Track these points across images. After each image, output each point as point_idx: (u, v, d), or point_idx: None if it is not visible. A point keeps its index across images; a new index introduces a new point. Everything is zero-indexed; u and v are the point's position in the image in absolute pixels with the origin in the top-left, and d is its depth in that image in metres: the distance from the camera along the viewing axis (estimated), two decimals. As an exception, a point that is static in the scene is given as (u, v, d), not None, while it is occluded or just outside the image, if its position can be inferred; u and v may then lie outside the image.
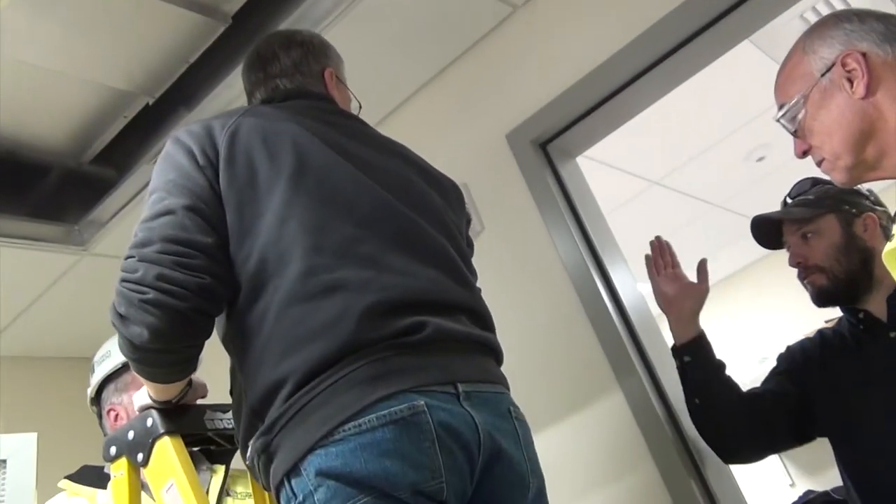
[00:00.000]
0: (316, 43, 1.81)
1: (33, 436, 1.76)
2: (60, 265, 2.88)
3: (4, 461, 1.74)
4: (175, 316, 1.30)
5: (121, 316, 1.32)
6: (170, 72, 2.37)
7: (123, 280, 1.32)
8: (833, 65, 1.33)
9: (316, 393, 1.28)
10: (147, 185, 1.49)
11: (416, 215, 1.50)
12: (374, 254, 1.39)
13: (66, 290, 3.01)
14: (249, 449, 1.35)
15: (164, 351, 1.35)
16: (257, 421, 1.33)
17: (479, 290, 1.59)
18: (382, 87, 2.73)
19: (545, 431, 2.32)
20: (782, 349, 2.25)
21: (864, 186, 2.13)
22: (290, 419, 1.28)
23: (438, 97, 2.78)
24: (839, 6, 3.42)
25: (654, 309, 2.36)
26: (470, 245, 1.72)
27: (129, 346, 1.34)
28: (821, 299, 2.08)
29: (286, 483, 1.28)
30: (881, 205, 2.14)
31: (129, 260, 1.34)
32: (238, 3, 2.25)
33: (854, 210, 2.07)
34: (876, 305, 2.02)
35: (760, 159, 4.77)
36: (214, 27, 2.26)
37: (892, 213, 2.06)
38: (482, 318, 1.51)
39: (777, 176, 4.98)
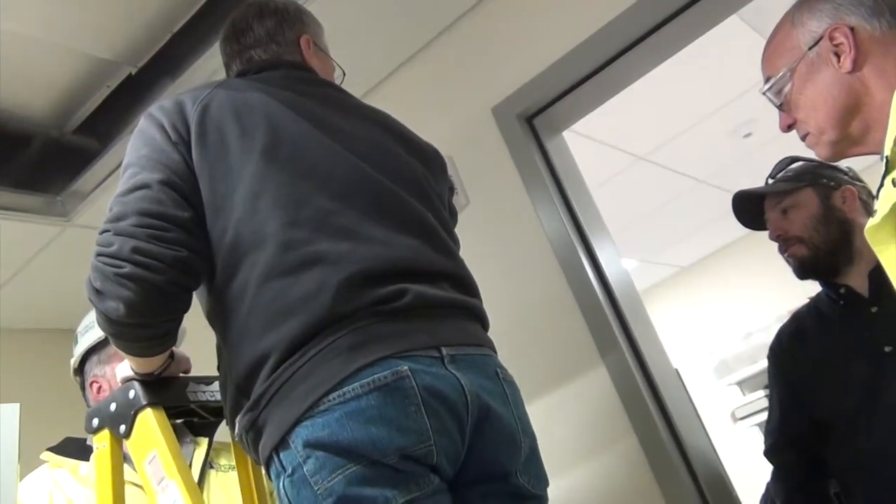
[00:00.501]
0: (291, 10, 1.77)
1: (16, 406, 1.75)
2: (43, 236, 2.86)
3: None
4: (151, 289, 1.30)
5: (97, 290, 1.31)
6: (153, 41, 2.34)
7: (99, 254, 1.31)
8: (821, 38, 1.32)
9: (299, 366, 1.28)
10: (129, 156, 1.48)
11: (394, 184, 1.49)
12: (352, 225, 1.38)
13: (48, 262, 2.99)
14: (237, 426, 1.35)
15: (140, 325, 1.35)
16: (243, 397, 1.34)
17: (462, 259, 1.58)
18: (368, 60, 2.71)
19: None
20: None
21: (843, 164, 2.14)
22: (275, 394, 1.28)
23: (425, 70, 2.76)
24: (828, -18, 3.40)
25: (639, 284, 2.36)
26: (452, 214, 1.72)
27: (106, 320, 1.33)
28: (802, 270, 2.10)
29: (275, 457, 1.28)
30: (860, 180, 2.16)
31: (105, 234, 1.33)
32: (222, -28, 2.22)
33: (832, 183, 2.10)
34: (857, 280, 2.03)
35: (747, 135, 4.78)
36: (198, -4, 2.24)
37: (874, 191, 2.07)
38: (466, 285, 1.50)
39: (764, 152, 4.98)
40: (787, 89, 1.37)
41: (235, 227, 1.36)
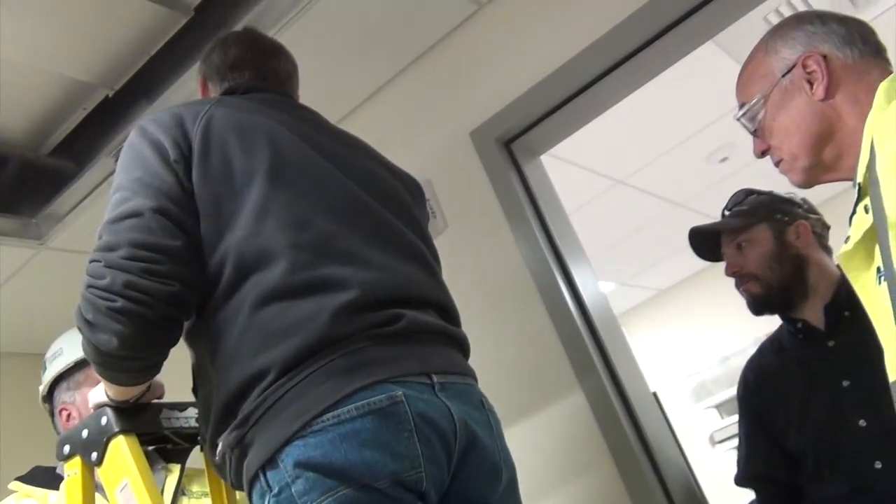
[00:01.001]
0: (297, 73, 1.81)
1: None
2: (17, 259, 2.83)
3: None
4: (144, 324, 1.29)
5: (88, 322, 1.30)
6: (130, 63, 2.34)
7: (90, 286, 1.30)
8: (794, 66, 1.34)
9: (292, 385, 1.26)
10: (107, 178, 1.47)
11: (388, 212, 1.51)
12: (354, 249, 1.39)
13: (22, 285, 2.95)
14: (220, 444, 1.32)
15: (130, 357, 1.34)
16: (229, 416, 1.31)
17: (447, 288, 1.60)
18: (345, 85, 2.71)
19: (505, 430, 2.30)
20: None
21: (798, 195, 2.18)
22: (267, 411, 1.27)
23: (403, 94, 2.76)
24: (802, 8, 3.46)
25: (616, 307, 2.36)
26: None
27: (96, 351, 1.32)
28: (756, 307, 2.13)
29: (261, 476, 1.26)
30: (815, 212, 2.19)
31: (95, 264, 1.31)
32: (201, -4, 2.22)
33: (786, 218, 2.13)
34: (813, 314, 2.06)
35: (724, 160, 4.82)
36: (176, 19, 2.23)
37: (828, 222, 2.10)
38: (450, 314, 1.51)
39: (740, 176, 5.02)
40: (760, 116, 1.38)
41: (238, 247, 1.34)
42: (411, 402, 1.28)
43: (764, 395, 2.14)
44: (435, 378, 1.35)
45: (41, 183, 2.59)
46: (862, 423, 1.89)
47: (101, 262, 1.30)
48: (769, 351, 2.20)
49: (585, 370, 2.26)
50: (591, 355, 2.26)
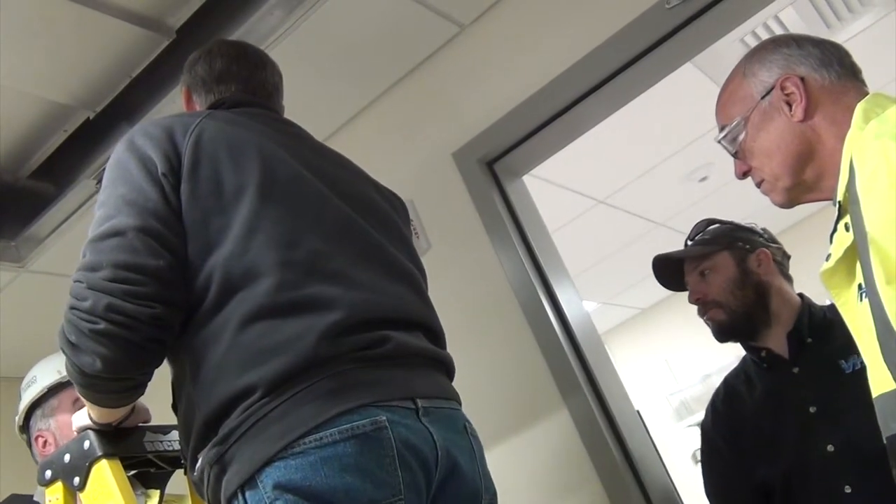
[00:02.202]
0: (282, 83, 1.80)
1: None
2: (-4, 282, 2.81)
3: None
4: (127, 346, 1.27)
5: (71, 344, 1.28)
6: (112, 86, 2.33)
7: (73, 307, 1.28)
8: (772, 88, 1.36)
9: (276, 404, 1.25)
10: (88, 200, 1.45)
11: (377, 232, 1.50)
12: (342, 269, 1.38)
13: (1, 308, 2.93)
14: (200, 460, 1.30)
15: (114, 379, 1.32)
16: (210, 432, 1.29)
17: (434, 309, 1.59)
18: (329, 105, 2.72)
19: (492, 449, 2.30)
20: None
21: (758, 225, 2.21)
22: (248, 429, 1.25)
23: (385, 115, 2.77)
24: (778, 31, 3.50)
25: (599, 326, 2.37)
26: None
27: (80, 373, 1.30)
28: (721, 334, 2.15)
29: (239, 495, 1.25)
30: (775, 242, 2.23)
31: (78, 285, 1.29)
32: (182, 18, 2.22)
33: (747, 246, 2.16)
34: (776, 342, 2.09)
35: (703, 179, 4.87)
36: (158, 41, 2.23)
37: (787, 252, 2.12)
38: (437, 336, 1.51)
39: (719, 195, 5.09)
40: (741, 138, 1.40)
41: (225, 264, 1.33)
42: (395, 428, 1.26)
43: (733, 426, 2.15)
44: (419, 403, 1.34)
45: (21, 205, 2.57)
46: (830, 448, 1.90)
47: (83, 283, 1.28)
48: (735, 381, 2.21)
49: (570, 389, 2.26)
50: (575, 374, 2.26)
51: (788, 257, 2.24)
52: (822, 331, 2.05)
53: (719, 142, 1.44)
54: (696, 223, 2.31)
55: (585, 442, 2.23)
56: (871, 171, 1.09)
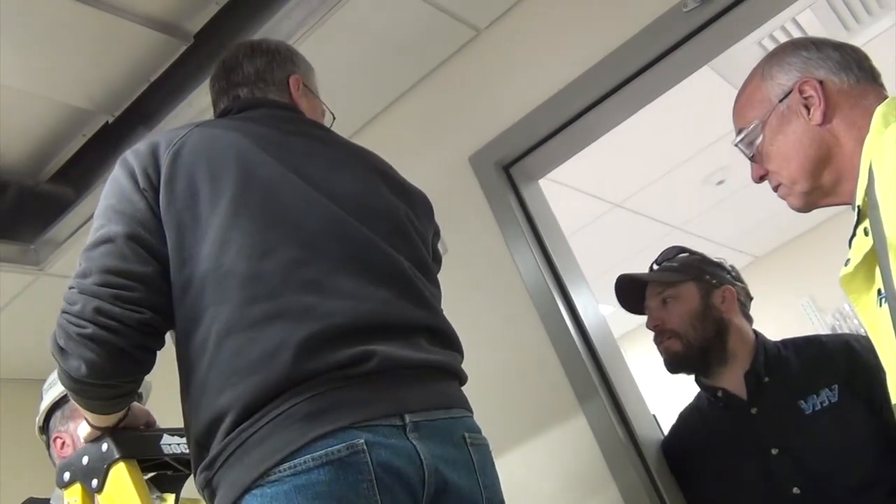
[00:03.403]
0: (282, 50, 1.76)
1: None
2: (15, 285, 2.83)
3: None
4: (114, 351, 1.27)
5: (60, 348, 1.29)
6: (130, 90, 2.35)
7: (64, 311, 1.29)
8: (790, 91, 1.35)
9: (255, 429, 1.24)
10: (105, 204, 1.46)
11: (370, 230, 1.45)
12: (319, 277, 1.34)
13: (20, 311, 2.95)
14: (197, 480, 1.33)
15: (102, 385, 1.33)
16: (203, 452, 1.30)
17: (440, 309, 1.54)
18: (345, 109, 2.70)
19: (507, 455, 2.31)
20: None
21: (727, 262, 2.21)
22: (230, 455, 1.25)
23: (402, 119, 2.78)
24: (796, 34, 3.49)
25: (616, 331, 2.36)
26: (437, 259, 1.69)
27: (68, 377, 1.31)
28: (673, 365, 2.15)
29: None
30: (741, 281, 2.23)
31: (70, 291, 1.31)
32: (200, 23, 2.23)
33: (714, 281, 2.16)
34: (732, 382, 2.08)
35: (720, 183, 4.84)
36: (176, 46, 2.25)
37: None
38: (443, 337, 1.46)
39: (736, 199, 5.07)
40: (758, 141, 1.39)
41: (200, 279, 1.32)
42: (373, 451, 1.23)
43: (692, 469, 2.16)
44: (408, 418, 1.30)
45: (40, 209, 2.60)
46: (796, 490, 1.90)
47: (75, 288, 1.30)
48: (691, 421, 2.21)
49: (587, 393, 2.26)
50: (592, 378, 2.26)
51: (751, 298, 2.24)
52: (777, 369, 2.04)
53: (736, 145, 1.43)
54: (665, 249, 2.30)
55: (602, 446, 2.22)
56: (891, 175, 1.09)
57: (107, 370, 1.29)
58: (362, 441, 1.23)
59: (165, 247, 1.36)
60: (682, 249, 2.28)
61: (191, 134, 1.46)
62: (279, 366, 1.25)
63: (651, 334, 2.23)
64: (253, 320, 1.28)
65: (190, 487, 1.79)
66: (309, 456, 1.21)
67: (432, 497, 1.30)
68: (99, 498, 1.49)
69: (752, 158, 1.43)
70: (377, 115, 2.81)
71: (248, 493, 1.22)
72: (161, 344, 1.37)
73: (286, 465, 1.20)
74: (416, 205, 1.65)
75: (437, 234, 1.73)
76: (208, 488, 1.29)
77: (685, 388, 2.29)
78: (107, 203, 1.40)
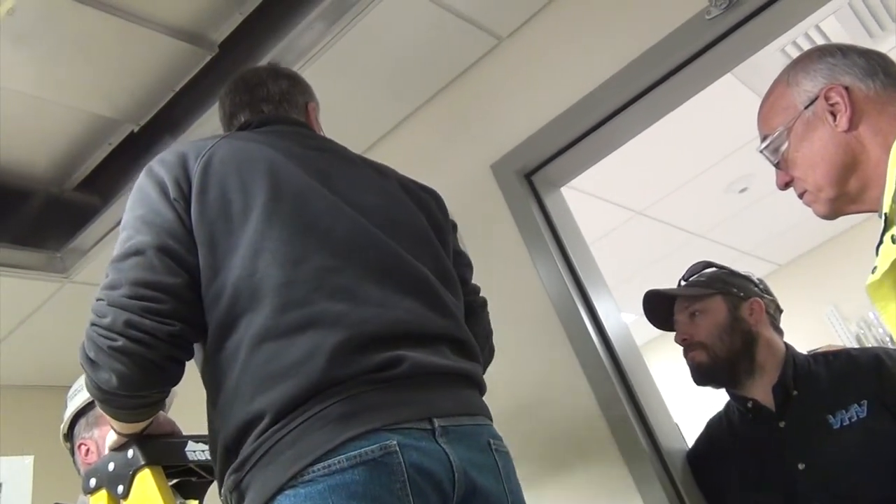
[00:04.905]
0: (301, 79, 1.82)
1: (30, 459, 1.74)
2: (42, 293, 2.86)
3: (0, 484, 1.71)
4: (145, 364, 1.29)
5: (90, 360, 1.30)
6: (155, 99, 2.37)
7: (93, 324, 1.30)
8: (816, 98, 1.34)
9: (287, 431, 1.25)
10: (130, 213, 1.46)
11: (395, 243, 1.47)
12: (351, 285, 1.36)
13: (47, 318, 2.98)
14: (224, 484, 1.33)
15: (131, 396, 1.34)
16: (231, 457, 1.31)
17: (462, 320, 1.55)
18: (367, 118, 2.74)
19: (528, 464, 2.30)
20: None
21: (755, 275, 2.19)
22: (262, 457, 1.26)
23: (424, 127, 2.78)
24: (820, 40, 3.47)
25: (638, 339, 2.35)
26: (460, 253, 1.71)
27: (98, 389, 1.33)
28: (699, 376, 2.14)
29: None
30: (770, 294, 2.21)
31: (99, 303, 1.31)
32: (225, 32, 2.26)
33: (742, 294, 2.15)
34: (761, 393, 2.07)
35: (743, 190, 4.82)
36: (201, 55, 2.27)
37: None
38: (465, 348, 1.47)
39: (759, 207, 5.04)
40: (783, 148, 1.39)
41: (234, 287, 1.33)
42: (405, 452, 1.24)
43: (716, 478, 2.14)
44: (437, 422, 1.31)
45: (66, 217, 2.62)
46: None
47: (104, 300, 1.31)
48: (718, 430, 2.20)
49: (609, 401, 2.25)
50: (614, 386, 2.25)
51: (781, 311, 2.22)
52: (806, 382, 2.03)
53: (761, 152, 1.42)
54: (692, 264, 2.31)
55: (624, 455, 2.21)
56: (918, 182, 1.08)
57: (137, 382, 1.30)
58: (395, 443, 1.24)
59: (194, 257, 1.37)
60: (709, 264, 2.27)
61: (219, 145, 1.48)
62: (312, 371, 1.26)
63: (672, 342, 2.22)
64: (287, 327, 1.30)
65: (211, 496, 1.80)
66: (343, 456, 1.22)
67: (461, 500, 1.31)
68: (124, 504, 1.51)
69: (776, 165, 1.42)
70: (399, 123, 2.82)
71: (281, 494, 1.22)
72: (190, 355, 1.38)
73: (320, 466, 1.21)
74: (433, 208, 1.67)
75: (454, 227, 1.75)
76: (237, 491, 1.29)
77: (708, 398, 2.28)
78: (135, 214, 1.40)
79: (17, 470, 1.63)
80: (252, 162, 1.45)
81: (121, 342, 1.27)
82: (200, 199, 1.39)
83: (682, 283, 2.28)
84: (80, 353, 1.33)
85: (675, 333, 2.22)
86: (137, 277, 1.31)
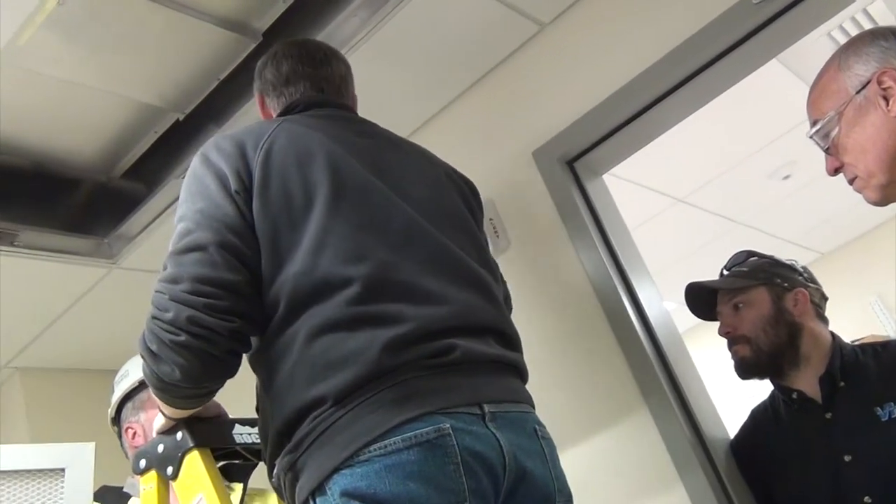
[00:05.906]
0: (350, 69, 1.82)
1: (91, 445, 1.77)
2: (89, 278, 2.91)
3: (63, 470, 1.74)
4: (206, 358, 1.31)
5: (152, 352, 1.33)
6: (200, 88, 2.39)
7: (155, 317, 1.32)
8: (868, 82, 1.32)
9: (342, 413, 1.27)
10: (177, 199, 1.49)
11: (445, 235, 1.49)
12: (410, 279, 1.38)
13: (94, 303, 3.03)
14: (276, 467, 1.35)
15: (191, 388, 1.38)
16: (284, 441, 1.33)
17: (507, 311, 1.58)
18: (410, 104, 2.74)
19: (571, 450, 2.30)
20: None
21: (798, 263, 2.16)
22: (317, 438, 1.28)
23: (466, 114, 2.78)
24: (867, 24, 3.41)
25: (681, 326, 2.34)
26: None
27: (158, 380, 1.35)
28: (742, 370, 2.13)
29: (311, 501, 1.28)
30: (815, 282, 2.17)
31: (160, 296, 1.33)
32: (269, 21, 2.27)
33: (786, 284, 2.11)
34: (807, 385, 2.04)
35: (786, 177, 4.76)
36: (245, 44, 2.29)
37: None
38: (510, 340, 1.50)
39: (802, 195, 4.97)
40: (834, 133, 1.37)
41: (295, 281, 1.35)
42: (458, 435, 1.27)
43: (759, 469, 2.12)
44: (486, 408, 1.34)
45: (113, 204, 2.67)
46: (867, 499, 1.85)
47: (165, 294, 1.32)
48: (763, 420, 2.18)
49: (652, 388, 2.24)
50: (657, 374, 2.23)
51: (826, 299, 2.18)
52: (854, 373, 2.00)
53: (811, 137, 1.41)
54: (734, 253, 2.28)
55: (667, 444, 2.19)
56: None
57: (198, 375, 1.34)
58: (448, 426, 1.27)
59: (254, 252, 1.38)
60: (752, 253, 2.24)
61: (277, 133, 1.48)
62: (368, 360, 1.28)
63: (714, 330, 2.21)
64: (349, 321, 1.32)
65: (256, 479, 1.83)
66: (399, 437, 1.24)
67: (512, 484, 1.33)
68: (174, 485, 1.54)
69: (826, 151, 1.40)
70: (441, 110, 2.82)
71: (338, 473, 1.25)
72: (249, 348, 1.41)
73: (376, 446, 1.24)
74: (471, 200, 1.69)
75: (480, 220, 1.76)
76: (291, 471, 1.31)
77: (752, 388, 2.26)
78: (196, 207, 1.40)
79: (80, 455, 1.66)
80: (311, 155, 1.46)
81: (184, 337, 1.29)
82: (262, 192, 1.40)
83: (724, 272, 2.25)
84: (140, 344, 1.35)
85: (718, 325, 2.20)
86: (199, 274, 1.32)
